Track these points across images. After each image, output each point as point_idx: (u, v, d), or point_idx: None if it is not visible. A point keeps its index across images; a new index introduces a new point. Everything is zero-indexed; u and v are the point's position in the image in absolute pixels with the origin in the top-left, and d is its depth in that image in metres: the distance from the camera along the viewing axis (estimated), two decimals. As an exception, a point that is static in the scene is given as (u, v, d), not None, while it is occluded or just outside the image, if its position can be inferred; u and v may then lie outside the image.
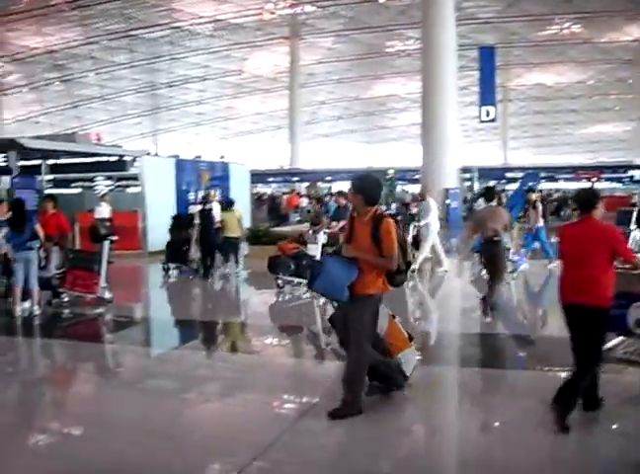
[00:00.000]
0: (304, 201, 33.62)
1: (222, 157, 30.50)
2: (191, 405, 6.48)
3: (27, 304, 10.38)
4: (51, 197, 12.53)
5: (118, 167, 22.60)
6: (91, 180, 25.65)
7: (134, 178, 21.29)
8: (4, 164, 17.29)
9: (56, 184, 22.36)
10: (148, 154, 22.21)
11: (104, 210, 16.08)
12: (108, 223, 11.98)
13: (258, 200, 37.31)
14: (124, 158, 21.68)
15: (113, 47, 48.05)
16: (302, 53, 47.97)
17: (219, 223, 14.74)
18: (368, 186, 5.73)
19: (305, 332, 9.74)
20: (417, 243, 14.50)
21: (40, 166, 19.43)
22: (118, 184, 25.22)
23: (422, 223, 14.78)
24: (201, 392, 6.80)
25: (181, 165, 20.27)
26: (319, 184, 46.98)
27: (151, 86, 58.33)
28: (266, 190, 48.94)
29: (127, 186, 25.80)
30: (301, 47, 47.68)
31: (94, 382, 7.65)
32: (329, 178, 47.20)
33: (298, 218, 29.53)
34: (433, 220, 14.65)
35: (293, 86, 49.08)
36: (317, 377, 7.33)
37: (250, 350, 9.00)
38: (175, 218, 16.26)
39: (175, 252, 15.10)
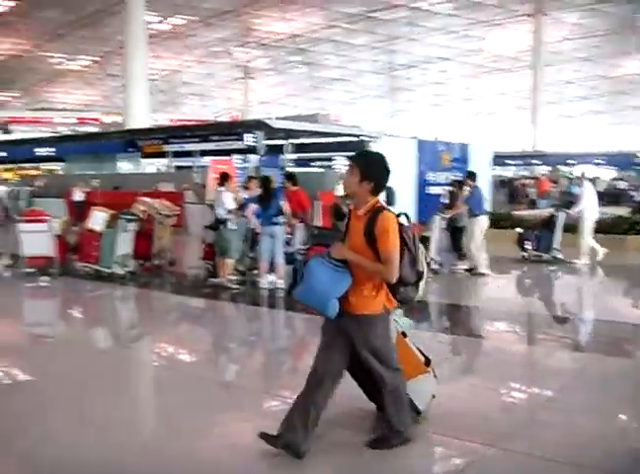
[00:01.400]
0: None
1: (461, 138, 30.03)
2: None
3: (271, 277, 10.84)
4: (291, 175, 12.97)
5: (357, 147, 23.06)
6: (330, 159, 26.38)
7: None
8: (253, 144, 18.13)
9: (298, 163, 23.21)
10: (386, 135, 22.33)
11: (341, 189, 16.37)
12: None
13: (502, 183, 36.02)
14: (363, 138, 22.01)
15: (352, 30, 48.95)
16: (546, 30, 45.91)
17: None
18: (380, 170, 4.41)
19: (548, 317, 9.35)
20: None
21: (282, 146, 20.26)
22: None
23: (575, 210, 13.89)
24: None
25: (422, 146, 20.17)
26: (561, 167, 44.94)
27: (389, 67, 58.82)
28: (505, 172, 47.50)
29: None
30: (545, 24, 45.64)
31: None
32: (572, 161, 45.00)
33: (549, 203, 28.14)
34: (587, 207, 13.71)
35: (537, 65, 47.14)
36: (555, 368, 6.96)
37: (487, 334, 8.80)
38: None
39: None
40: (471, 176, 13.13)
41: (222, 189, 11.16)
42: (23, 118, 55.17)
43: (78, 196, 19.42)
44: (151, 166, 30.11)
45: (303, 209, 12.02)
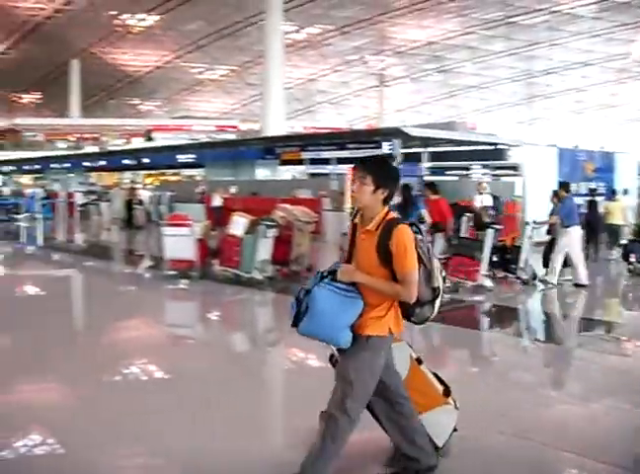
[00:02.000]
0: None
1: (602, 147, 28.89)
2: (549, 403, 6.03)
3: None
4: (432, 183, 12.75)
5: (493, 155, 22.56)
6: (467, 168, 25.93)
7: (511, 167, 21.01)
8: (389, 151, 18.03)
9: (433, 171, 22.94)
10: (523, 144, 21.72)
11: (484, 199, 16.01)
12: (492, 212, 11.85)
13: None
14: (501, 147, 21.52)
15: (490, 36, 48.09)
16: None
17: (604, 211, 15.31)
18: (394, 176, 3.91)
19: None
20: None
21: (418, 154, 20.04)
22: (493, 173, 25.15)
23: None
24: (561, 390, 6.45)
25: (562, 154, 19.46)
26: None
27: (527, 74, 57.39)
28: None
29: (503, 175, 25.64)
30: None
31: (461, 366, 7.58)
32: None
33: None
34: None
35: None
36: None
37: (620, 351, 8.27)
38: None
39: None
40: (564, 186, 12.51)
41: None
42: (165, 125, 57.36)
43: (217, 201, 19.91)
44: (286, 173, 30.56)
45: (444, 219, 11.77)
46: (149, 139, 53.09)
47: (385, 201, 3.79)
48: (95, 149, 51.11)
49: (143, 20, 49.45)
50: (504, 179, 24.06)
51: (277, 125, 31.89)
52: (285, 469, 3.98)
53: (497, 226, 11.38)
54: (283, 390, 6.82)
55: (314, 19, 45.64)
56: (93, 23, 48.11)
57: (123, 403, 5.74)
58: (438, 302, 3.87)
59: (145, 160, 31.93)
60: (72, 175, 37.67)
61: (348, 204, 14.96)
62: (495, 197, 14.41)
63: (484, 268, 11.07)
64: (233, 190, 21.99)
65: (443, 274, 3.92)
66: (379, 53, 53.82)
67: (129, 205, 25.26)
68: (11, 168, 42.82)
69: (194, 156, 28.44)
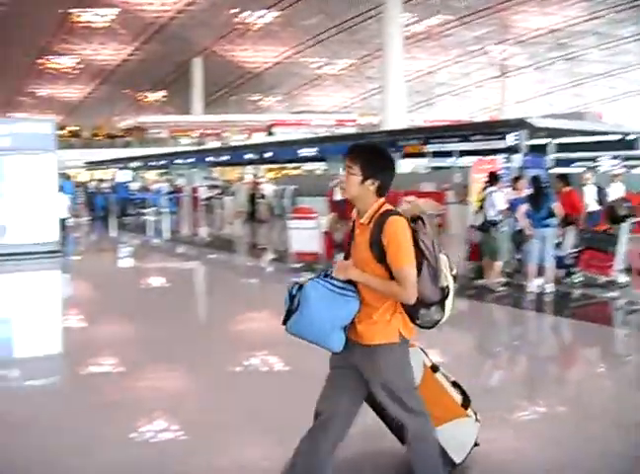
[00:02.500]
0: None
1: None
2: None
3: (540, 281, 10.36)
4: (564, 175, 12.36)
5: (621, 146, 21.68)
6: (593, 159, 25.01)
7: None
8: (514, 143, 17.61)
9: (558, 162, 22.25)
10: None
11: (617, 190, 15.36)
12: (628, 204, 11.32)
13: None
14: (632, 136, 20.69)
15: (618, 20, 46.21)
16: None
17: None
18: (385, 164, 3.48)
19: None
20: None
21: (543, 145, 19.49)
22: (624, 164, 24.15)
23: None
24: None
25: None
26: None
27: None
28: None
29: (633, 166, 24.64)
30: None
31: (588, 364, 7.38)
32: None
33: None
34: None
35: None
36: None
37: None
38: None
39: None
40: None
41: (493, 189, 10.84)
42: (285, 120, 58.15)
43: (339, 195, 19.93)
44: (408, 166, 30.33)
45: (576, 211, 11.39)
46: (270, 134, 53.97)
47: (379, 193, 3.41)
48: (217, 144, 52.39)
49: (263, 17, 50.36)
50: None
51: (397, 119, 31.75)
52: None
53: (634, 219, 10.91)
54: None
55: (434, 9, 45.23)
56: (214, 21, 49.38)
57: (243, 393, 5.88)
58: (449, 304, 3.48)
59: (267, 154, 32.45)
60: (196, 170, 38.73)
61: (472, 198, 14.69)
62: (599, 189, 13.75)
63: (618, 262, 10.62)
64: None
65: (455, 271, 3.51)
66: (501, 43, 52.71)
67: (253, 199, 25.75)
68: (138, 164, 44.46)
69: (314, 150, 28.68)
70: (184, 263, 16.12)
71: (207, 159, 38.38)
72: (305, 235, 12.26)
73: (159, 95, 71.90)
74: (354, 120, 57.88)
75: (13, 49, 50.17)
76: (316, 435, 3.47)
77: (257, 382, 6.22)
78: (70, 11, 48.69)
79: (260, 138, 52.58)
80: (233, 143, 50.82)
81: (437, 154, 22.13)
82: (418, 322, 3.44)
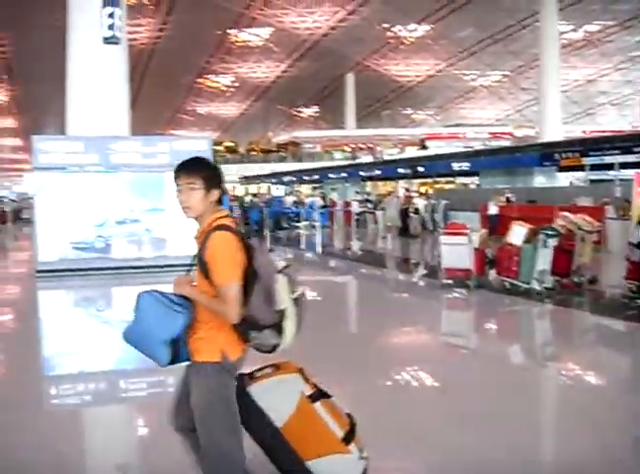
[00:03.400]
0: None
1: None
2: None
3: None
4: None
5: None
6: None
7: None
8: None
9: None
10: None
11: None
12: None
13: None
14: None
15: None
16: None
17: None
18: (220, 174, 3.43)
19: None
20: None
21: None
22: None
23: None
24: None
25: None
26: None
27: None
28: None
29: None
30: None
31: None
32: None
33: None
34: None
35: None
36: None
37: None
38: None
39: None
40: None
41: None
42: (438, 134, 57.77)
43: (493, 209, 19.59)
44: (564, 179, 29.36)
45: None
46: (423, 148, 53.75)
47: (218, 203, 3.38)
48: (370, 159, 52.74)
49: (415, 30, 50.34)
50: None
51: (554, 130, 30.80)
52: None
53: None
54: (557, 407, 6.45)
55: (592, 16, 43.56)
56: (366, 37, 49.88)
57: (390, 406, 5.83)
58: (289, 328, 3.24)
59: (419, 168, 32.33)
60: (348, 184, 39.13)
61: (634, 212, 13.98)
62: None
63: None
64: (505, 197, 21.53)
65: (297, 293, 3.31)
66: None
67: (405, 214, 25.67)
68: (292, 178, 45.46)
69: (468, 164, 28.29)
70: (336, 276, 16.27)
71: (360, 173, 38.70)
72: (457, 251, 12.04)
73: (312, 110, 73.35)
74: (509, 133, 56.60)
75: (176, 70, 52.79)
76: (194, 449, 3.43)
77: (404, 397, 6.14)
78: (228, 32, 50.65)
79: (413, 152, 52.45)
80: (386, 157, 51.00)
81: (595, 167, 21.27)
82: (250, 344, 3.26)
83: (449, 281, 12.26)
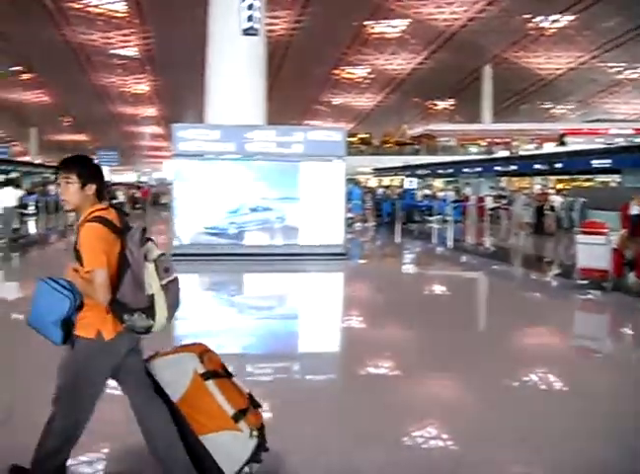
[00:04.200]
0: None
1: None
2: None
3: None
4: None
5: None
6: None
7: None
8: None
9: None
10: None
11: None
12: None
13: None
14: None
15: None
16: None
17: None
18: (96, 168, 3.81)
19: None
20: None
21: None
22: None
23: None
24: None
25: None
26: None
27: None
28: None
29: None
30: None
31: None
32: None
33: None
34: None
35: None
36: None
37: None
38: None
39: None
40: None
41: None
42: (578, 129, 55.76)
43: (635, 209, 18.68)
44: None
45: None
46: (562, 144, 52.01)
47: (97, 196, 3.74)
48: (506, 154, 51.58)
49: (557, 21, 48.75)
50: None
51: None
52: None
53: None
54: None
55: None
56: (505, 28, 48.75)
57: (515, 409, 5.71)
58: (160, 312, 3.58)
59: (557, 165, 31.32)
60: (483, 179, 38.42)
61: None
62: None
63: None
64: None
65: (168, 279, 3.62)
66: None
67: (540, 211, 24.98)
68: (425, 172, 45.07)
69: (609, 161, 27.11)
70: (466, 272, 16.01)
71: (495, 168, 37.92)
72: (594, 251, 11.60)
73: (448, 103, 72.46)
74: (655, 130, 53.96)
75: (312, 61, 53.40)
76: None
77: (531, 400, 5.99)
78: (365, 23, 50.72)
79: (551, 148, 50.86)
80: (522, 153, 49.73)
81: None
82: (125, 325, 3.57)
83: (584, 282, 11.84)
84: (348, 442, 4.86)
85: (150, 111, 74.49)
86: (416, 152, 57.82)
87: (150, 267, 3.59)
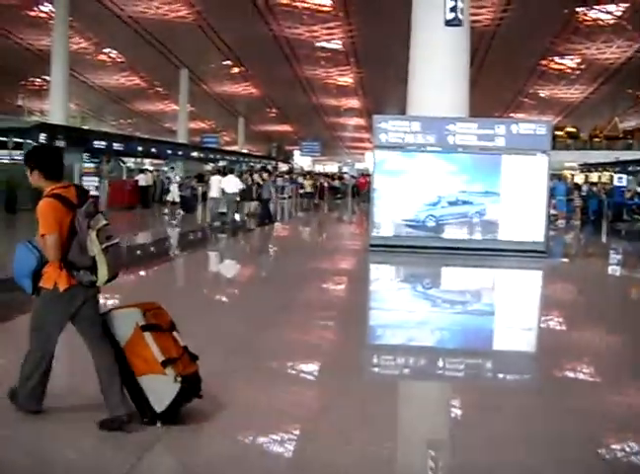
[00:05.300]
0: None
1: None
2: None
3: None
4: None
5: None
6: None
7: None
8: None
9: None
10: None
11: None
12: None
13: None
14: None
15: None
16: None
17: None
18: (41, 155, 4.74)
19: None
20: None
21: None
22: None
23: None
24: None
25: None
26: None
27: None
28: None
29: None
30: None
31: None
32: None
33: None
34: None
35: None
36: None
37: None
38: None
39: None
40: None
41: None
42: None
43: None
44: None
45: None
46: None
47: (47, 178, 4.60)
48: None
49: None
50: None
51: None
52: None
53: None
54: None
55: None
56: None
57: None
58: (102, 270, 4.49)
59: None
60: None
61: None
62: None
63: None
64: None
65: (106, 245, 4.47)
66: None
67: None
68: (638, 168, 42.55)
69: None
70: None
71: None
72: None
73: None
74: None
75: (518, 52, 51.81)
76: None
77: None
78: (577, 10, 48.44)
79: None
80: None
81: None
82: (76, 280, 4.48)
83: None
84: (535, 446, 4.62)
85: (353, 102, 75.60)
86: (628, 147, 54.62)
87: (92, 234, 4.47)
